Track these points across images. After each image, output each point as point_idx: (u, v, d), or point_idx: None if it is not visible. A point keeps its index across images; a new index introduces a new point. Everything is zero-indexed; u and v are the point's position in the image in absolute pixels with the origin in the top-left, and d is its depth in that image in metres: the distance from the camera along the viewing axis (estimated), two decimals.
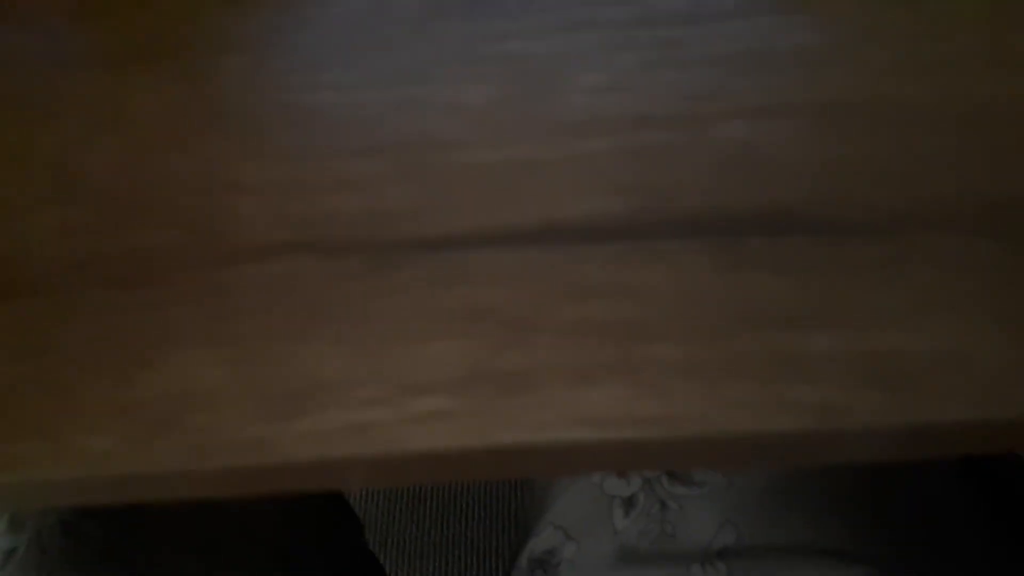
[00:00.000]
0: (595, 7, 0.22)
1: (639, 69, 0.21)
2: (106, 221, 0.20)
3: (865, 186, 0.19)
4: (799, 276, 0.18)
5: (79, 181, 0.21)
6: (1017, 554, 0.32)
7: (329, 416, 0.17)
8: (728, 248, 0.18)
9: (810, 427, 0.16)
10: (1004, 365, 0.17)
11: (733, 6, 0.22)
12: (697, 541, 0.32)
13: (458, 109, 0.21)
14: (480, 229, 0.19)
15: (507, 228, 0.19)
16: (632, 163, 0.20)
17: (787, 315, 0.17)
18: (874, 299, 0.18)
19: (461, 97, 0.21)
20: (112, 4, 0.23)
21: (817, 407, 0.16)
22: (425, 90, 0.21)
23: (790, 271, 0.18)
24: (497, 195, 0.20)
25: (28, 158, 0.21)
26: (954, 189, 0.18)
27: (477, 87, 0.21)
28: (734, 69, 0.21)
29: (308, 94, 0.22)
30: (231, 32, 0.23)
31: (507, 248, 0.19)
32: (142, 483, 0.17)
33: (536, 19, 0.22)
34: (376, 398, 0.17)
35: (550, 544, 0.37)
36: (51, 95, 0.22)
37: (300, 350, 0.18)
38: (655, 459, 0.17)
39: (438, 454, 0.17)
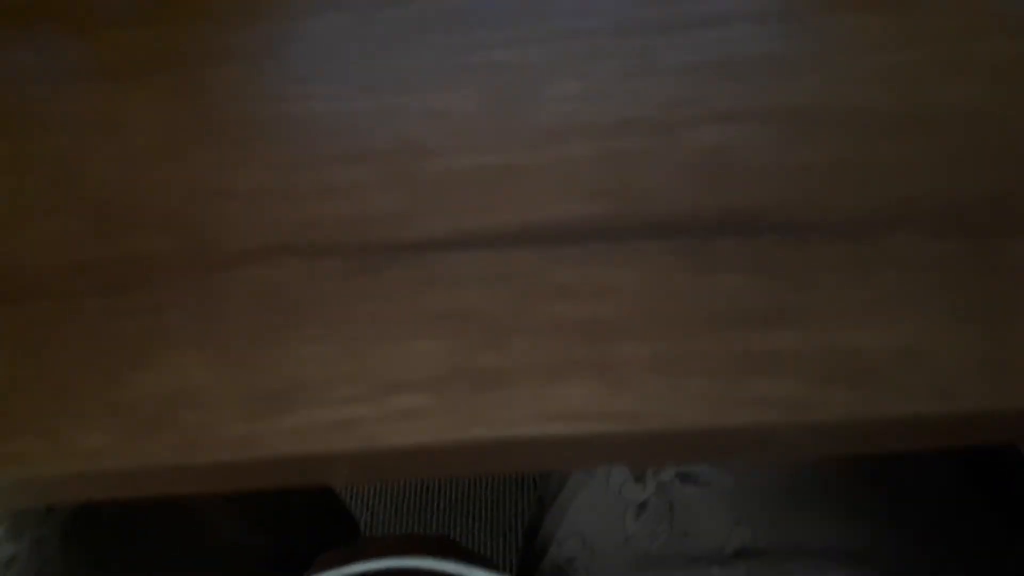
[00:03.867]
0: (574, 18, 0.23)
1: (615, 77, 0.22)
2: (102, 229, 0.21)
3: (831, 189, 0.19)
4: (766, 276, 0.19)
5: (76, 191, 0.22)
6: None
7: (312, 414, 0.18)
8: (698, 249, 0.19)
9: (773, 421, 0.17)
10: (962, 360, 0.17)
11: (707, 15, 0.22)
12: (711, 542, 0.32)
13: (440, 117, 0.22)
14: (460, 232, 0.20)
15: (486, 231, 0.20)
16: (607, 168, 0.20)
17: (754, 314, 0.18)
18: (839, 298, 0.18)
19: (443, 105, 0.22)
20: (111, 19, 0.24)
21: (780, 402, 0.17)
22: (409, 99, 0.22)
23: (757, 271, 0.19)
24: (476, 199, 0.20)
25: (28, 168, 0.22)
26: (916, 191, 0.19)
27: (459, 95, 0.22)
28: (707, 76, 0.21)
29: (296, 104, 0.23)
30: (223, 46, 0.24)
31: (485, 250, 0.20)
32: (133, 479, 0.18)
33: (516, 30, 0.23)
34: (357, 396, 0.18)
35: (571, 553, 0.38)
36: (50, 107, 0.23)
37: (285, 351, 0.19)
38: (624, 453, 0.18)
39: (415, 449, 0.17)
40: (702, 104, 0.21)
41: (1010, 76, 0.20)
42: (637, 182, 0.20)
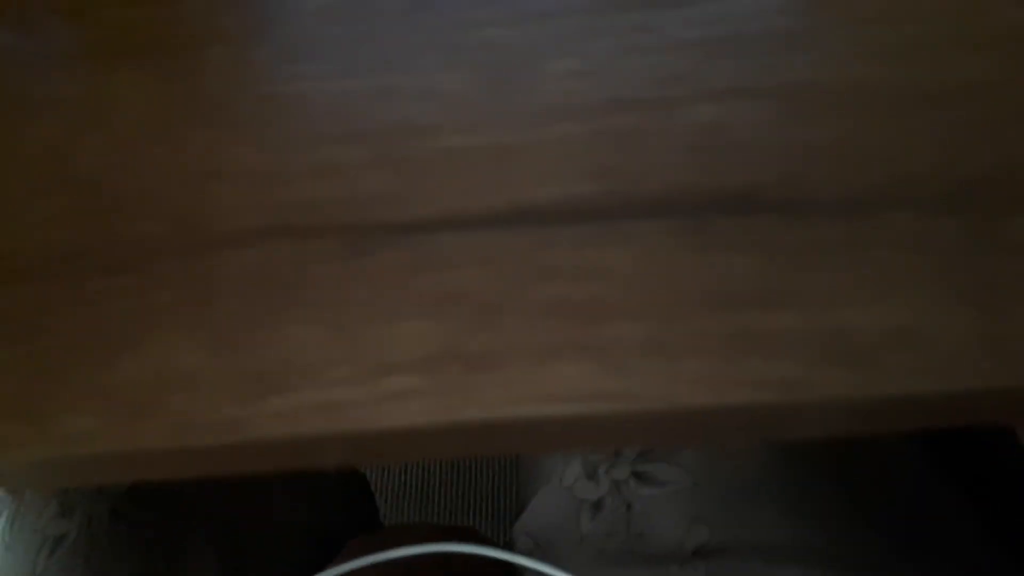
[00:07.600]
0: None
1: (611, 54, 0.21)
2: (92, 212, 0.21)
3: (830, 167, 0.19)
4: (763, 256, 0.18)
5: (66, 174, 0.21)
6: (997, 556, 0.32)
7: (302, 396, 0.18)
8: (694, 228, 0.19)
9: (768, 401, 0.16)
10: (960, 339, 0.17)
11: None
12: (669, 541, 0.32)
13: (434, 96, 0.21)
14: (453, 213, 0.20)
15: (479, 212, 0.20)
16: (602, 146, 0.20)
17: (749, 294, 0.18)
18: (836, 278, 0.18)
19: (437, 84, 0.22)
20: (98, 1, 0.24)
21: (776, 382, 0.17)
22: (402, 78, 0.22)
23: (754, 251, 0.18)
24: (470, 180, 0.20)
25: (17, 152, 0.22)
26: (917, 169, 0.19)
27: (453, 74, 0.22)
28: (704, 53, 0.21)
29: (288, 85, 0.22)
30: (214, 25, 0.23)
31: (478, 232, 0.19)
32: (123, 462, 0.18)
33: (511, 6, 0.22)
34: (348, 378, 0.18)
35: (523, 552, 0.37)
36: (39, 91, 0.23)
37: (275, 333, 0.18)
38: (619, 434, 0.17)
39: (407, 431, 0.17)
40: (699, 81, 0.21)
41: (1010, 48, 0.20)
42: (632, 161, 0.20)
